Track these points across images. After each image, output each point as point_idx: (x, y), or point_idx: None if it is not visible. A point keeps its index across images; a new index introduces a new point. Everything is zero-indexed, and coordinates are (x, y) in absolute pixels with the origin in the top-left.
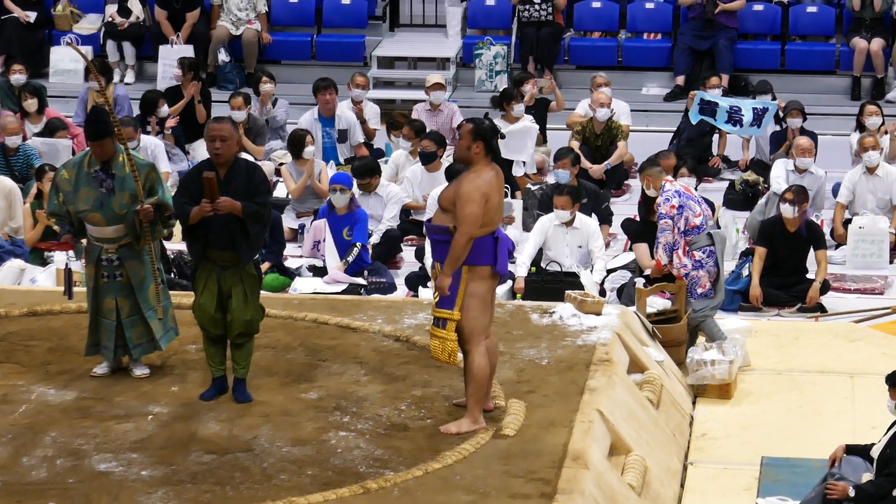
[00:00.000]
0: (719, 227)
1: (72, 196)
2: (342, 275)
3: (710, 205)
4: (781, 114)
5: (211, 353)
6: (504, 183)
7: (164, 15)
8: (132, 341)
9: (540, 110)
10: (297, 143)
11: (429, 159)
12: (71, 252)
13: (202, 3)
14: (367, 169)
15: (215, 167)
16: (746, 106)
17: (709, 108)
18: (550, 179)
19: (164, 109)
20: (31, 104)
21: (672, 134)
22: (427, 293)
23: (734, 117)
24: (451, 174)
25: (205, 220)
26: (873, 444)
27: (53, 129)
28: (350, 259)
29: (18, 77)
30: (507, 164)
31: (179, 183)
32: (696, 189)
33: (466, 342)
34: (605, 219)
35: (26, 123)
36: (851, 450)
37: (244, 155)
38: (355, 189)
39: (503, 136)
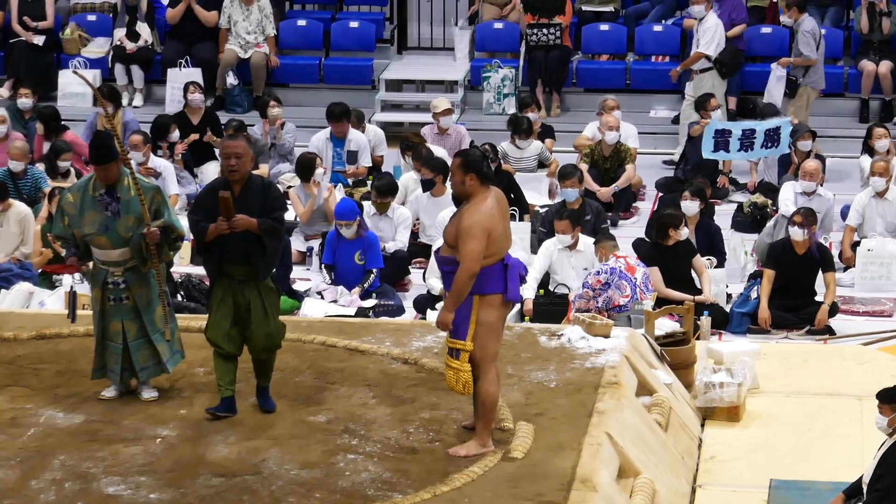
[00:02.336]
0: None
1: (77, 219)
2: (357, 299)
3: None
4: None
5: (222, 371)
6: (509, 207)
7: None
8: (139, 364)
9: (545, 136)
10: (306, 167)
11: (428, 186)
12: (78, 275)
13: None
14: (389, 188)
15: (230, 184)
16: (760, 128)
17: (723, 139)
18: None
19: (176, 135)
20: (52, 125)
21: (678, 158)
22: (435, 316)
23: (745, 143)
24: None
25: (221, 236)
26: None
27: (58, 151)
28: (367, 285)
29: (24, 101)
30: (515, 187)
31: (195, 201)
32: (701, 211)
33: (476, 368)
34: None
35: (44, 143)
36: (850, 494)
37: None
38: (368, 207)
39: (493, 160)
